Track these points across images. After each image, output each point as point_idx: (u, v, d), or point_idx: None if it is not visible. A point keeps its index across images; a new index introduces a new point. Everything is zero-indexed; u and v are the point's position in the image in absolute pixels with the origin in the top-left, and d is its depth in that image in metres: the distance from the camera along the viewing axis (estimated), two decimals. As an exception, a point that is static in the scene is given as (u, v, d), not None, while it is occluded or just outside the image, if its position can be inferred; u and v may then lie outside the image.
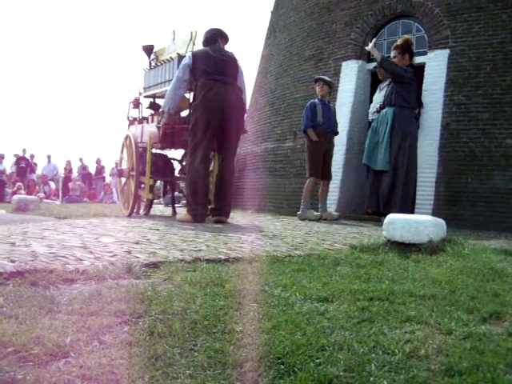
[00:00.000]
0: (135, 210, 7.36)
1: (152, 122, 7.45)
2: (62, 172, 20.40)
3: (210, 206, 6.32)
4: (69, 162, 20.79)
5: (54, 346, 1.84)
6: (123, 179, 7.72)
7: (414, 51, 7.95)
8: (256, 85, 11.65)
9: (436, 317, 2.25)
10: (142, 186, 7.10)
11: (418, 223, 4.07)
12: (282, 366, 1.73)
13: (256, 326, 2.10)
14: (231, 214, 6.44)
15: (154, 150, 7.00)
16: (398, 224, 4.13)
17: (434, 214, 6.68)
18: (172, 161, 7.49)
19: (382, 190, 6.80)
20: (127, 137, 7.45)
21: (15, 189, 16.24)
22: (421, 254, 3.89)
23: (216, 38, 6.33)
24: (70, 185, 19.05)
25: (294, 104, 9.60)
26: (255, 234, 4.96)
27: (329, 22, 9.36)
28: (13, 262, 3.16)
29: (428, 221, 4.15)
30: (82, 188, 19.40)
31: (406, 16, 8.29)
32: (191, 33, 6.74)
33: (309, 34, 9.73)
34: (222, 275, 2.96)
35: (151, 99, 7.93)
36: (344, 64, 8.86)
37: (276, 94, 10.29)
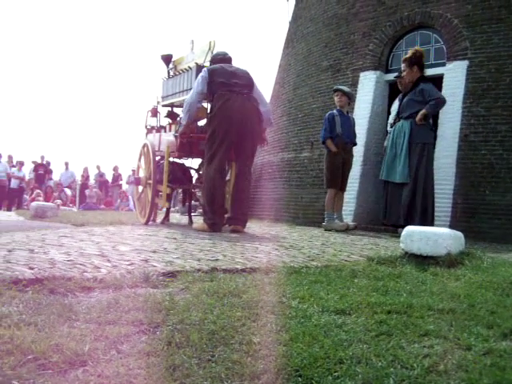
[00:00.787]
0: (152, 218, 7.38)
1: (170, 130, 7.52)
2: (79, 179, 20.54)
3: (226, 215, 6.35)
4: (86, 169, 20.96)
5: (72, 354, 1.84)
6: (140, 187, 7.77)
7: (433, 62, 7.96)
8: (273, 95, 11.67)
9: (455, 331, 2.22)
10: (160, 194, 7.11)
11: (436, 236, 4.04)
12: (299, 379, 1.72)
13: (274, 337, 2.09)
14: (247, 224, 6.44)
15: (171, 159, 7.04)
16: (415, 236, 4.11)
17: (452, 226, 6.64)
18: (189, 169, 7.54)
19: (403, 203, 6.76)
20: (145, 145, 7.51)
21: (34, 196, 16.38)
22: (439, 266, 3.85)
23: (228, 60, 6.48)
24: (87, 192, 19.19)
25: (312, 114, 9.60)
26: (272, 244, 4.96)
27: (347, 33, 9.37)
28: (31, 269, 3.19)
29: (446, 233, 4.11)
30: (99, 195, 19.52)
31: (425, 27, 8.28)
32: (209, 42, 6.79)
33: (327, 44, 9.74)
34: (239, 286, 2.96)
35: (169, 108, 7.98)
36: (362, 75, 8.86)
37: (293, 104, 10.30)
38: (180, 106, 7.53)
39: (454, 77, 7.66)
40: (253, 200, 10.92)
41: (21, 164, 18.89)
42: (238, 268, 3.58)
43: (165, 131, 7.80)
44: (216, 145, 6.00)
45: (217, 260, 3.85)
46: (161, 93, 8.18)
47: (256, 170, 11.09)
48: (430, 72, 8.00)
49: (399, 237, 4.40)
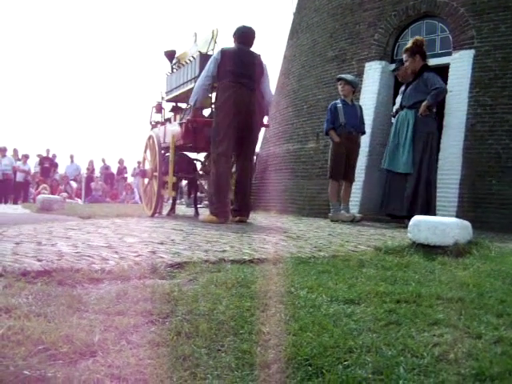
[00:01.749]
0: (158, 211, 7.40)
1: (175, 120, 7.62)
2: (84, 172, 20.56)
3: (231, 207, 6.42)
4: (91, 162, 20.95)
5: (82, 344, 1.85)
6: (146, 180, 7.81)
7: (439, 52, 7.92)
8: (278, 86, 11.62)
9: (465, 320, 2.22)
10: (166, 185, 7.14)
11: (443, 225, 4.03)
12: (309, 368, 1.72)
13: (283, 327, 2.09)
14: (253, 215, 6.47)
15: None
16: (423, 226, 4.09)
17: (458, 216, 6.60)
18: (194, 160, 7.61)
19: (407, 194, 6.73)
20: (150, 137, 7.53)
21: (40, 190, 16.42)
22: (447, 256, 3.84)
23: (249, 38, 6.43)
24: (93, 185, 19.21)
25: (317, 105, 9.56)
26: (279, 235, 4.96)
27: (352, 23, 9.32)
28: (40, 261, 3.20)
29: (454, 223, 4.10)
30: (104, 188, 19.54)
31: (431, 16, 8.21)
32: (212, 31, 6.80)
33: (332, 34, 9.69)
34: (247, 276, 2.96)
35: (173, 103, 8.06)
36: (367, 65, 8.81)
37: (298, 95, 10.26)
38: (184, 99, 7.59)
39: (460, 66, 7.61)
40: (258, 191, 10.92)
41: (26, 157, 18.91)
42: (245, 259, 3.58)
43: (169, 122, 7.88)
44: (221, 137, 6.09)
45: (224, 251, 3.85)
46: (165, 88, 8.24)
47: (261, 162, 11.08)
48: (435, 62, 7.95)
49: (406, 227, 4.39)
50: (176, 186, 7.36)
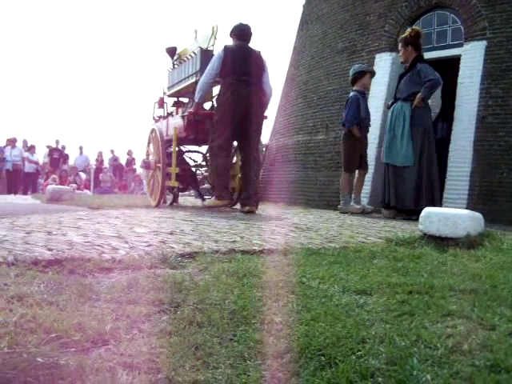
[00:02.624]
0: (162, 201, 7.55)
1: (177, 114, 7.80)
2: (93, 163, 20.58)
3: (242, 197, 6.74)
4: (100, 154, 20.96)
5: (94, 333, 1.85)
6: (150, 172, 7.91)
7: (450, 43, 7.86)
8: (288, 77, 11.58)
9: (478, 312, 2.20)
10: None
11: (455, 217, 4.00)
12: (322, 358, 1.71)
13: (295, 317, 2.08)
14: (262, 207, 6.48)
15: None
16: (434, 217, 4.07)
17: (469, 208, 6.56)
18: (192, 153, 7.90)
19: (411, 187, 6.65)
20: (153, 130, 7.69)
21: (50, 181, 16.47)
22: (458, 248, 3.82)
23: (247, 35, 6.67)
24: (101, 176, 19.24)
25: (327, 97, 9.53)
26: (288, 226, 4.94)
27: (362, 14, 9.25)
28: (50, 250, 3.21)
29: (465, 215, 4.07)
30: (113, 179, 19.56)
31: (442, 7, 8.14)
32: (212, 28, 6.98)
33: (342, 26, 9.63)
34: (258, 266, 2.95)
35: (175, 98, 8.25)
36: (378, 56, 8.75)
37: (308, 86, 10.22)
38: (186, 93, 7.85)
39: (472, 57, 7.54)
40: (268, 183, 10.91)
41: (33, 148, 18.94)
42: (255, 249, 3.57)
43: (172, 116, 8.06)
44: (221, 130, 6.41)
45: (234, 241, 3.85)
46: (167, 84, 8.47)
47: (271, 153, 11.05)
48: (446, 53, 7.91)
49: (416, 220, 4.37)
50: (180, 176, 7.47)
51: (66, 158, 20.08)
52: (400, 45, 6.94)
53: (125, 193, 18.17)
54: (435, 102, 7.50)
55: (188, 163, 7.81)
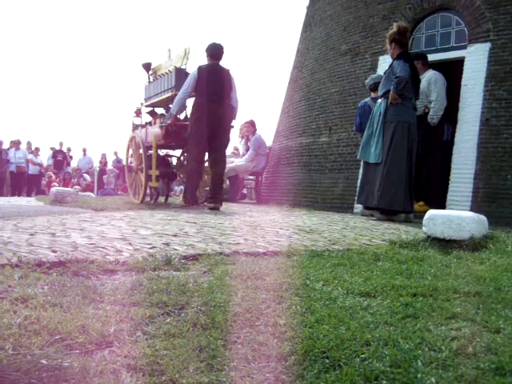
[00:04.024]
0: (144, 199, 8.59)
1: (154, 124, 8.77)
2: (97, 165, 20.60)
3: (208, 196, 7.69)
4: (104, 156, 20.98)
5: (98, 335, 1.85)
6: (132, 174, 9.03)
7: (454, 45, 7.85)
8: (291, 79, 11.58)
9: (482, 314, 2.19)
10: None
11: (459, 219, 4.00)
12: (326, 360, 1.71)
13: (299, 319, 2.08)
14: (265, 209, 6.47)
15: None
16: (438, 220, 4.06)
17: (472, 211, 6.54)
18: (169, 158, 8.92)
19: (378, 184, 6.58)
20: (133, 138, 8.93)
21: (47, 180, 16.54)
22: (462, 250, 3.81)
23: (219, 54, 7.52)
24: (105, 178, 19.25)
25: (330, 99, 9.52)
26: (292, 228, 4.94)
27: (366, 16, 9.25)
28: (54, 252, 3.21)
29: (470, 217, 4.06)
30: (116, 181, 19.56)
31: (446, 9, 8.12)
32: (185, 49, 7.98)
33: (345, 28, 9.63)
34: (262, 268, 2.95)
35: (151, 108, 9.29)
36: (381, 58, 8.75)
37: (311, 88, 10.22)
38: (161, 105, 8.98)
39: (476, 60, 7.53)
40: (271, 185, 10.90)
41: (37, 150, 18.98)
42: (259, 251, 3.57)
43: (150, 125, 9.00)
44: (195, 144, 7.35)
45: (238, 243, 3.84)
46: (144, 95, 9.55)
47: (274, 155, 11.05)
48: (450, 55, 7.90)
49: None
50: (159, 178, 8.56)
51: (68, 160, 20.09)
52: (387, 42, 6.93)
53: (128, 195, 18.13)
54: (437, 103, 7.44)
55: (167, 165, 8.75)
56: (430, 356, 1.75)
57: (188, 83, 7.37)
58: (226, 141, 7.67)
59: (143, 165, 8.22)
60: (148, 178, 8.22)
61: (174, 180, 9.40)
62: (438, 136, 7.72)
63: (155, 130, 8.43)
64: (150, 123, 9.15)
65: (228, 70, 7.57)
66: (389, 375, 1.62)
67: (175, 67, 8.09)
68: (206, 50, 7.53)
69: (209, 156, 7.71)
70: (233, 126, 7.93)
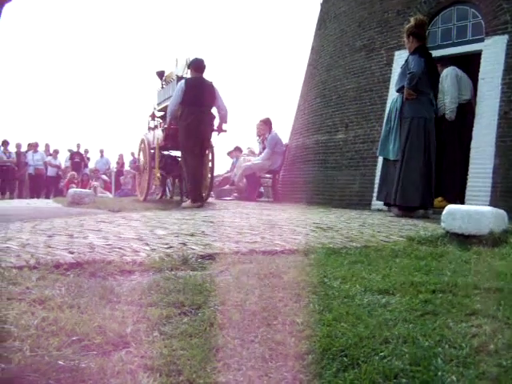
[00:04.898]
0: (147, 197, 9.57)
1: (161, 127, 9.55)
2: (114, 166, 20.67)
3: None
4: (121, 157, 21.04)
5: (115, 335, 1.85)
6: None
7: (470, 38, 7.75)
8: (306, 77, 11.54)
9: (504, 311, 2.15)
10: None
11: (478, 214, 3.94)
12: (345, 359, 1.70)
13: (317, 317, 2.06)
14: (282, 207, 6.43)
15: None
16: (457, 215, 4.01)
17: (491, 206, 6.46)
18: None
19: (395, 181, 6.50)
20: (142, 141, 9.83)
21: (69, 178, 16.67)
22: (482, 246, 3.75)
23: (202, 67, 8.27)
24: (122, 179, 19.32)
25: (346, 95, 9.46)
26: (309, 226, 4.91)
27: (380, 11, 9.18)
28: (72, 253, 3.22)
29: (489, 212, 4.01)
30: (133, 182, 19.59)
31: (462, 2, 8.02)
32: (186, 59, 8.69)
33: (360, 24, 9.56)
34: (279, 267, 2.93)
35: (163, 112, 9.68)
36: (397, 53, 8.67)
37: (327, 85, 10.17)
38: (166, 110, 9.34)
39: (493, 52, 7.43)
40: (287, 183, 10.88)
41: (56, 152, 19.12)
42: (276, 250, 3.56)
43: (157, 128, 9.79)
44: (186, 148, 8.07)
45: (255, 242, 3.83)
46: (156, 100, 10.27)
47: (291, 153, 11.02)
48: (467, 49, 7.80)
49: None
50: (163, 178, 9.63)
51: (86, 161, 20.20)
52: (405, 36, 6.86)
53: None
54: (448, 97, 7.35)
55: (172, 163, 9.50)
56: (451, 353, 1.73)
57: (176, 94, 8.16)
58: (208, 145, 8.48)
59: (147, 166, 9.19)
60: (157, 177, 9.21)
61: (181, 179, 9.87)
62: (457, 130, 7.63)
63: (159, 132, 9.34)
64: (156, 127, 10.03)
65: (211, 82, 8.38)
66: (408, 373, 1.60)
67: (177, 76, 8.90)
68: (190, 65, 8.39)
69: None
70: (225, 131, 8.64)
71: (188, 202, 7.88)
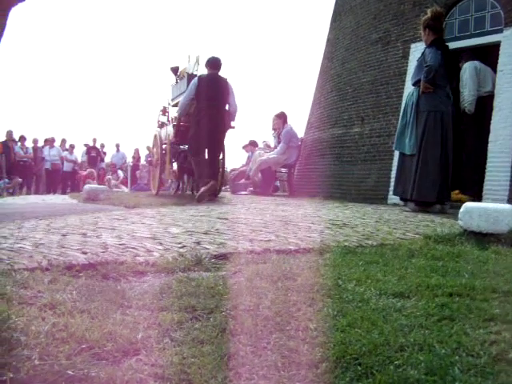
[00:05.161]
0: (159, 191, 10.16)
1: (172, 123, 9.76)
2: (130, 160, 20.71)
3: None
4: (137, 151, 21.06)
5: (125, 342, 1.82)
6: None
7: (489, 29, 7.63)
8: (322, 70, 11.46)
9: (524, 316, 2.10)
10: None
11: (497, 212, 3.87)
12: (359, 367, 1.65)
13: (331, 323, 2.02)
14: (297, 202, 6.39)
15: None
16: (475, 213, 3.94)
17: (510, 201, 6.38)
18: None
19: (411, 176, 6.44)
20: (155, 136, 10.24)
21: (87, 173, 16.75)
22: (500, 245, 3.69)
23: (218, 65, 8.38)
24: (138, 173, 19.35)
25: (361, 88, 9.38)
26: (324, 222, 4.86)
27: (396, 3, 9.06)
28: (85, 253, 3.21)
29: (508, 210, 3.93)
30: (149, 176, 19.61)
31: (480, -8, 7.90)
32: (196, 57, 9.04)
33: (375, 16, 9.46)
34: (293, 268, 2.90)
35: (177, 107, 9.91)
36: (413, 46, 8.56)
37: (342, 78, 10.08)
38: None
39: (512, 44, 7.30)
40: (303, 177, 10.82)
41: (72, 147, 19.20)
42: (291, 249, 3.52)
43: (169, 124, 10.04)
44: (195, 143, 8.20)
45: (269, 241, 3.79)
46: (170, 96, 10.46)
47: (306, 147, 10.95)
48: (485, 40, 7.68)
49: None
50: (175, 172, 9.94)
51: (102, 156, 20.27)
52: (421, 28, 6.77)
53: (162, 190, 18.22)
54: (465, 90, 7.26)
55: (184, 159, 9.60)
56: (468, 362, 1.68)
57: (189, 90, 8.31)
58: (222, 140, 8.55)
59: (159, 160, 9.61)
60: (162, 171, 9.75)
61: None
62: (477, 123, 7.52)
63: (170, 128, 9.60)
64: (164, 123, 10.36)
65: (226, 79, 8.44)
66: (424, 383, 1.55)
67: (187, 73, 9.12)
68: (206, 63, 8.44)
69: (208, 153, 8.48)
70: (234, 127, 8.79)
71: (202, 189, 7.84)
